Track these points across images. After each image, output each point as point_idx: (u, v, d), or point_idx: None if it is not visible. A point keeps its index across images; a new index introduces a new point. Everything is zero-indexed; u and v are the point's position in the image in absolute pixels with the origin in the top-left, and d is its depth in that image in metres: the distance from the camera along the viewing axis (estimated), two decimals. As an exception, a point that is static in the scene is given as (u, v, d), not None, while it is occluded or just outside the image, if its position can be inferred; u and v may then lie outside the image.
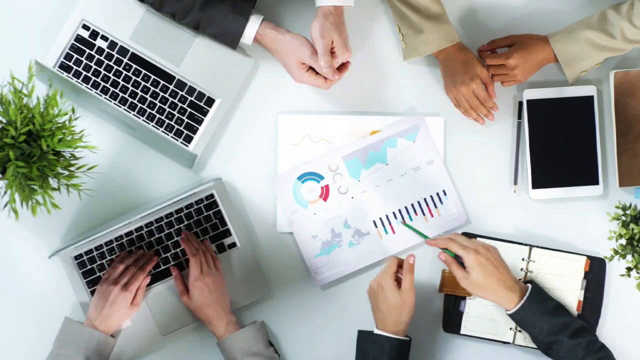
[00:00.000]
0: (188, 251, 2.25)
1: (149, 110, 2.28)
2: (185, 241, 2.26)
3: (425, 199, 2.31)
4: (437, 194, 2.31)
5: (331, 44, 2.19)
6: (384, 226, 2.31)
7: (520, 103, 2.32)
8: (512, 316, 2.18)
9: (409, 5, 2.22)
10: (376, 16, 2.34)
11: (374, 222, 2.30)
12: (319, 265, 2.29)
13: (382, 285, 2.18)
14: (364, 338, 2.20)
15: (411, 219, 2.30)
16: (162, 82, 2.28)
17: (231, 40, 2.24)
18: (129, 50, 2.28)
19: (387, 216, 2.30)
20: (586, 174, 2.31)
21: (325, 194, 2.31)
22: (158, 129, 2.28)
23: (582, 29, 2.22)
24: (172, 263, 2.28)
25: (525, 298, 2.17)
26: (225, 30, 2.23)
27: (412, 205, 2.31)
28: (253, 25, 2.22)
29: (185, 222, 2.28)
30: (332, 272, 2.30)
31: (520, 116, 2.32)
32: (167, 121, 2.29)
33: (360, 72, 2.33)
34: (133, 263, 2.25)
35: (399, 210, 2.30)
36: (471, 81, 2.24)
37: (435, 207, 2.31)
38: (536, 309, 2.17)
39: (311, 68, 2.22)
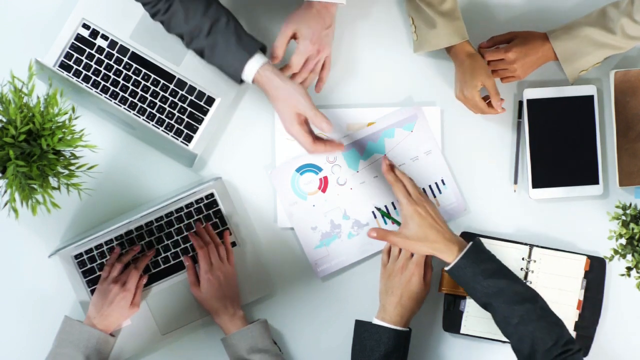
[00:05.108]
0: (195, 244, 2.25)
1: (149, 109, 2.28)
2: (193, 234, 2.26)
3: (424, 189, 2.31)
4: (436, 183, 2.31)
5: (293, 35, 2.16)
6: (383, 217, 2.30)
7: (521, 102, 2.32)
8: (450, 273, 2.13)
9: (424, 0, 2.22)
10: (370, 10, 2.33)
11: (373, 212, 2.30)
12: (319, 256, 2.30)
13: (415, 273, 2.19)
14: (362, 328, 2.20)
15: None
16: (162, 81, 2.28)
17: (232, 75, 2.18)
18: (129, 50, 2.28)
19: (386, 207, 2.30)
20: (586, 174, 2.31)
21: (324, 185, 2.31)
22: (158, 128, 2.28)
23: (581, 25, 2.22)
24: (172, 262, 2.28)
25: (459, 257, 2.12)
26: (228, 64, 2.16)
27: None
28: (254, 65, 2.15)
29: (186, 222, 2.28)
30: (333, 263, 2.30)
31: (520, 115, 2.32)
32: (167, 120, 2.29)
33: (356, 65, 2.32)
34: (132, 261, 2.26)
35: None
36: (473, 89, 2.22)
37: (435, 196, 2.31)
38: (470, 269, 2.10)
39: (305, 123, 2.16)
